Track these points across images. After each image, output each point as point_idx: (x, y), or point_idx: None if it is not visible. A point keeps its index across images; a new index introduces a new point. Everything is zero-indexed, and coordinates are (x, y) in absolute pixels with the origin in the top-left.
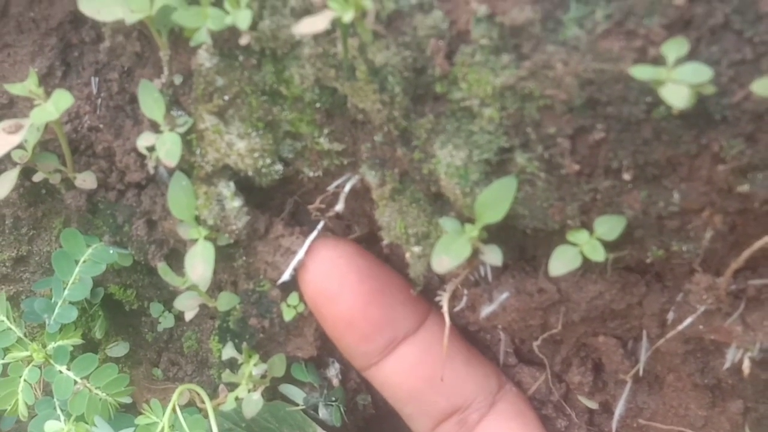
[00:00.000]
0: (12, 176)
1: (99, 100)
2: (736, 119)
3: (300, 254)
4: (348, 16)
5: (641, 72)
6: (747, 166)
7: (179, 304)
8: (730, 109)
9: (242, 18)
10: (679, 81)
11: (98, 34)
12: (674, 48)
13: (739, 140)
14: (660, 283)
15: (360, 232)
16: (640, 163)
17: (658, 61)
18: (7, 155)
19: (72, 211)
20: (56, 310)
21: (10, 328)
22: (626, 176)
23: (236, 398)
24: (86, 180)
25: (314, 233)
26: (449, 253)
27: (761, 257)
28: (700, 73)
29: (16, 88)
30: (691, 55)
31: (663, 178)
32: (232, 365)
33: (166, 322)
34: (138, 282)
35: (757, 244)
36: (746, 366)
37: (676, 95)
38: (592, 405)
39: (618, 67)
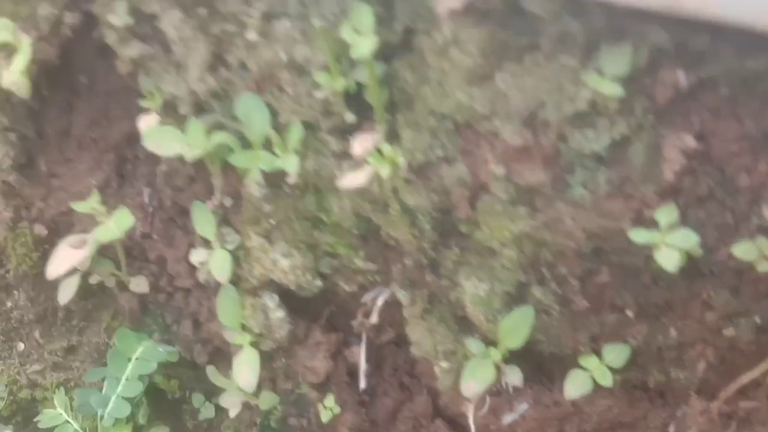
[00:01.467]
0: (74, 283)
1: (151, 209)
2: (722, 274)
3: (362, 363)
4: (385, 172)
5: (638, 236)
6: (732, 312)
7: (224, 401)
8: (716, 265)
9: (291, 163)
10: (671, 245)
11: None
12: (666, 214)
13: (724, 291)
14: (662, 400)
15: (391, 335)
16: (641, 303)
17: (653, 222)
18: None
19: (125, 310)
20: (110, 405)
21: (68, 422)
22: (629, 313)
23: None
24: (140, 284)
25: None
26: (476, 379)
27: (750, 383)
28: (688, 239)
29: (80, 206)
30: (682, 217)
31: (662, 316)
32: None
33: (207, 412)
34: (182, 374)
35: (743, 379)
36: None
37: (668, 259)
38: None
39: (619, 225)
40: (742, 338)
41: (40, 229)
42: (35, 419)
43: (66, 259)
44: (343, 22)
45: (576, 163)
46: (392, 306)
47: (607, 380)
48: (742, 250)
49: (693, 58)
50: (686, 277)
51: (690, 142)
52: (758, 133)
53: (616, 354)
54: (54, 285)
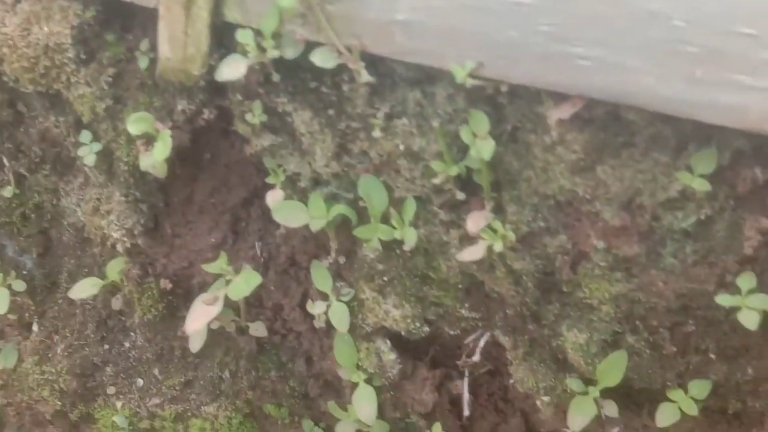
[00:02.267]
0: (203, 332)
1: (261, 260)
2: None
3: (466, 395)
4: (498, 246)
5: (723, 300)
6: None
7: (340, 429)
8: None
9: (409, 236)
10: (751, 308)
11: (264, 211)
12: (746, 281)
13: None
14: (738, 421)
15: (488, 367)
16: (722, 347)
17: (734, 286)
18: None
19: (242, 351)
20: None
21: None
22: (712, 355)
23: None
24: (258, 329)
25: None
26: (581, 413)
27: None
28: (765, 302)
29: (210, 268)
30: (759, 283)
31: (739, 357)
32: None
33: None
34: (293, 404)
35: None
36: None
37: (749, 320)
38: None
39: (704, 287)
40: None
41: (165, 284)
42: None
43: (202, 315)
44: (463, 126)
45: (667, 237)
46: (491, 345)
47: (693, 411)
48: None
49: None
50: (761, 326)
51: (765, 223)
52: None
53: (700, 388)
54: (171, 325)
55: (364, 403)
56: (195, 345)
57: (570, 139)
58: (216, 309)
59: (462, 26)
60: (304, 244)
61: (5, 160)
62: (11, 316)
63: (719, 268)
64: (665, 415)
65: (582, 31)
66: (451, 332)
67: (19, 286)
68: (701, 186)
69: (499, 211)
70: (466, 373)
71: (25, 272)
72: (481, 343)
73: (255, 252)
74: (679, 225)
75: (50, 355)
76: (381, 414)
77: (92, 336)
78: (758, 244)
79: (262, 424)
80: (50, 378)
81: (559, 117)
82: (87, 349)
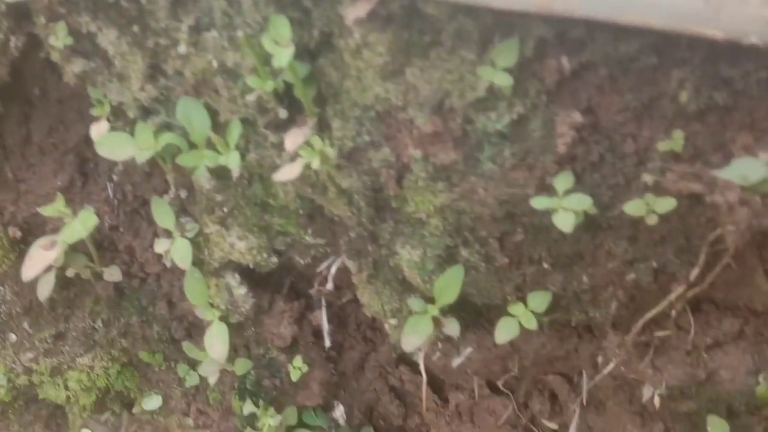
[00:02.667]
0: (50, 279)
1: (116, 202)
2: (619, 227)
3: (325, 325)
4: (315, 163)
5: (539, 203)
6: (631, 259)
7: (203, 370)
8: (613, 220)
9: (232, 160)
10: (568, 208)
11: None
12: (563, 181)
13: (623, 242)
14: (590, 334)
15: (350, 296)
16: (555, 255)
17: (553, 188)
18: None
19: (101, 297)
20: None
21: None
22: (546, 265)
23: None
24: (113, 273)
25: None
26: (416, 333)
27: (661, 316)
28: (582, 201)
29: (47, 210)
30: (579, 182)
31: (574, 265)
32: (253, 418)
33: (192, 380)
34: (164, 348)
35: (649, 314)
36: (657, 401)
37: (564, 222)
38: (553, 426)
39: (525, 192)
40: (643, 280)
41: (14, 231)
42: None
43: (39, 260)
44: (264, 33)
45: (484, 141)
46: (346, 272)
47: (532, 324)
48: (632, 207)
49: (573, 45)
50: (589, 231)
51: (578, 117)
52: (638, 104)
53: (539, 300)
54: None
55: (216, 341)
56: (42, 292)
57: (373, 40)
58: (53, 254)
59: None
60: (148, 180)
61: None
62: None
63: (538, 170)
64: (504, 330)
65: None
66: (303, 261)
67: None
68: (504, 81)
69: (325, 127)
70: (323, 303)
71: None
72: (333, 270)
73: (107, 193)
74: (493, 127)
75: None
76: (246, 352)
77: None
78: (572, 140)
79: (142, 371)
80: None
81: (356, 15)
82: None
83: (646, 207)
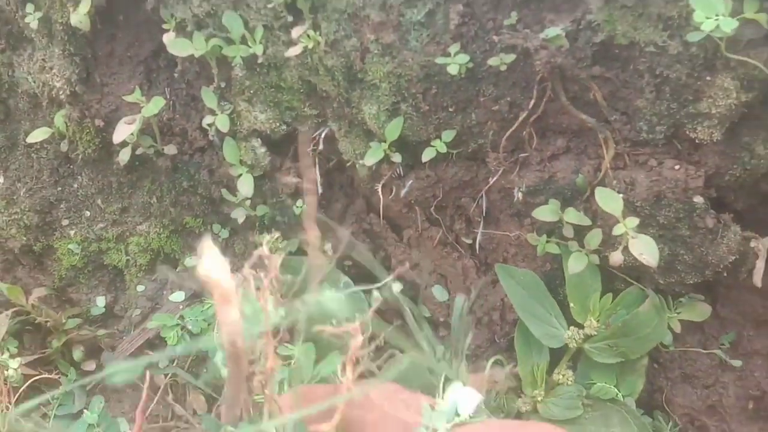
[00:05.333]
0: (128, 150)
1: (172, 101)
2: (487, 76)
3: (318, 177)
4: (310, 45)
5: (440, 60)
6: (496, 97)
7: (234, 214)
8: (483, 72)
9: (258, 49)
10: (457, 63)
11: (169, 62)
12: (453, 48)
13: (490, 86)
14: (484, 164)
15: (334, 161)
16: (455, 101)
17: (450, 55)
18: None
19: (161, 169)
20: None
21: None
22: (451, 109)
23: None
24: (170, 149)
25: (317, 168)
26: (372, 157)
27: (521, 141)
28: (464, 58)
29: (130, 98)
30: (463, 48)
31: (466, 107)
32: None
33: (224, 234)
34: (203, 211)
35: (507, 134)
36: (521, 197)
37: (453, 69)
38: (468, 241)
39: (434, 58)
40: (503, 111)
41: (99, 122)
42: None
43: (124, 129)
44: None
45: (410, 27)
46: (333, 139)
47: (442, 149)
48: (492, 61)
49: None
50: (471, 82)
51: (461, 8)
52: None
53: (448, 134)
54: (108, 165)
55: (245, 185)
56: (122, 158)
57: None
58: (134, 125)
59: None
60: (197, 78)
61: None
62: None
63: (441, 44)
64: (427, 155)
65: None
66: (303, 129)
67: None
68: None
69: (315, 27)
70: (316, 161)
71: None
72: (323, 134)
73: (165, 94)
74: (415, 17)
75: (15, 198)
76: (263, 200)
77: (47, 180)
78: (458, 23)
79: (184, 238)
80: (16, 217)
81: None
82: (44, 191)
83: (500, 60)
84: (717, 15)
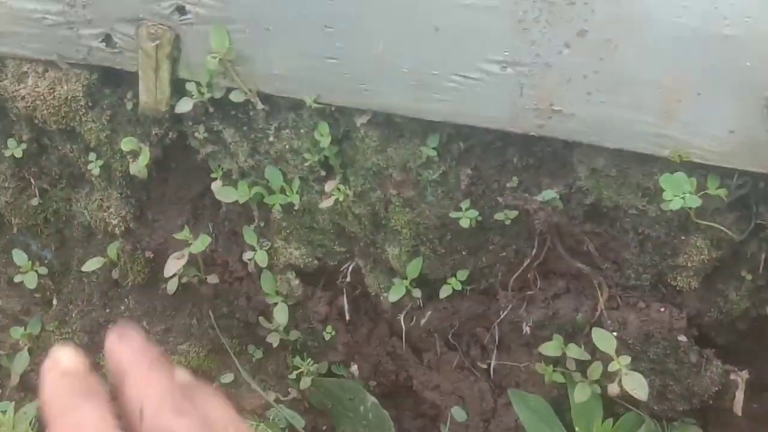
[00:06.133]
0: (175, 281)
1: (214, 235)
2: (494, 227)
3: (345, 305)
4: (341, 198)
5: (455, 215)
6: (503, 245)
7: (269, 339)
8: (491, 223)
9: (294, 199)
10: (467, 217)
11: (214, 201)
12: (465, 204)
13: (497, 236)
14: (495, 298)
15: (360, 290)
16: (468, 247)
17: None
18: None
19: (203, 296)
20: None
21: None
22: (464, 253)
23: None
24: (212, 279)
25: (345, 297)
26: (395, 294)
27: (526, 282)
28: (474, 213)
29: (179, 236)
30: (473, 203)
31: (477, 251)
32: (299, 373)
33: (258, 354)
34: (239, 333)
35: (514, 276)
36: (528, 331)
37: (464, 223)
38: (484, 366)
39: (449, 210)
40: (510, 257)
41: (149, 254)
42: None
43: (174, 264)
44: (315, 130)
45: (427, 184)
46: (359, 271)
47: (457, 286)
48: (499, 216)
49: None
50: (481, 231)
51: (469, 171)
52: (497, 167)
53: (461, 274)
54: (155, 291)
55: (280, 313)
56: (171, 288)
57: (370, 134)
58: (183, 261)
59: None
60: (239, 218)
61: (32, 180)
62: (36, 295)
63: (454, 200)
64: (444, 291)
65: None
66: (332, 263)
67: (43, 270)
68: (432, 153)
69: (345, 180)
70: (344, 291)
71: (46, 261)
72: (350, 268)
73: (209, 229)
74: (431, 177)
75: (67, 319)
76: (295, 325)
77: (97, 303)
78: (468, 183)
79: (221, 357)
80: (67, 337)
81: (361, 122)
82: (94, 312)
83: (505, 215)
84: (684, 193)
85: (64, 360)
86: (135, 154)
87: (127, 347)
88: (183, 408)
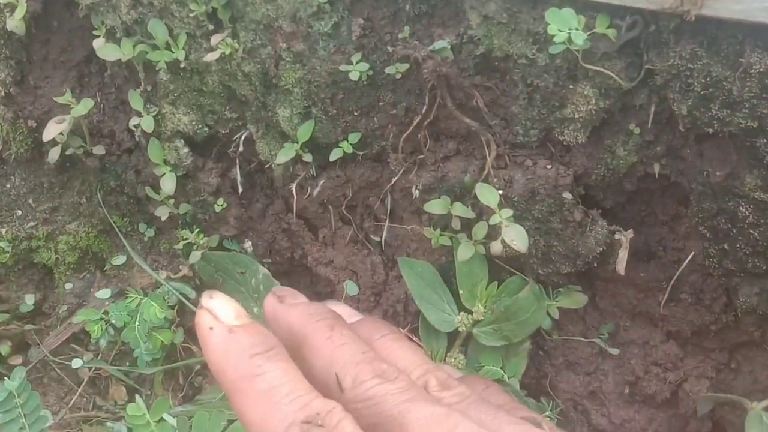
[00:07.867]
0: (57, 150)
1: (101, 104)
2: (385, 83)
3: (238, 177)
4: (227, 51)
5: (344, 68)
6: (393, 102)
7: (158, 212)
8: (382, 79)
9: (181, 55)
10: (358, 70)
11: (100, 67)
12: (355, 58)
13: (388, 93)
14: (385, 162)
15: (254, 163)
16: (359, 107)
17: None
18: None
19: (90, 169)
20: None
21: None
22: (355, 114)
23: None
24: (99, 150)
25: (237, 168)
26: (284, 156)
27: (417, 143)
28: (365, 66)
29: (61, 99)
30: (364, 57)
31: (369, 112)
32: (189, 246)
33: (149, 233)
34: (129, 210)
35: (404, 136)
36: (417, 195)
37: (353, 76)
38: (377, 239)
39: (339, 66)
40: (400, 115)
41: (31, 123)
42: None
43: (54, 128)
44: None
45: (318, 37)
46: (252, 141)
47: (349, 149)
48: (390, 69)
49: None
50: (373, 88)
51: (361, 21)
52: (389, 15)
53: (354, 137)
54: (40, 166)
55: (167, 183)
56: (53, 156)
57: None
58: (63, 125)
59: None
60: (125, 83)
61: None
62: None
63: (346, 53)
64: (335, 154)
65: None
66: (224, 132)
67: None
68: (325, 2)
69: (234, 36)
70: (237, 162)
71: None
72: (242, 137)
73: (96, 98)
74: (323, 29)
75: None
76: (186, 198)
77: None
78: (360, 34)
79: (112, 238)
80: None
81: None
82: None
83: (395, 69)
84: (570, 29)
85: (223, 313)
86: (12, 8)
87: (295, 310)
88: (384, 371)
